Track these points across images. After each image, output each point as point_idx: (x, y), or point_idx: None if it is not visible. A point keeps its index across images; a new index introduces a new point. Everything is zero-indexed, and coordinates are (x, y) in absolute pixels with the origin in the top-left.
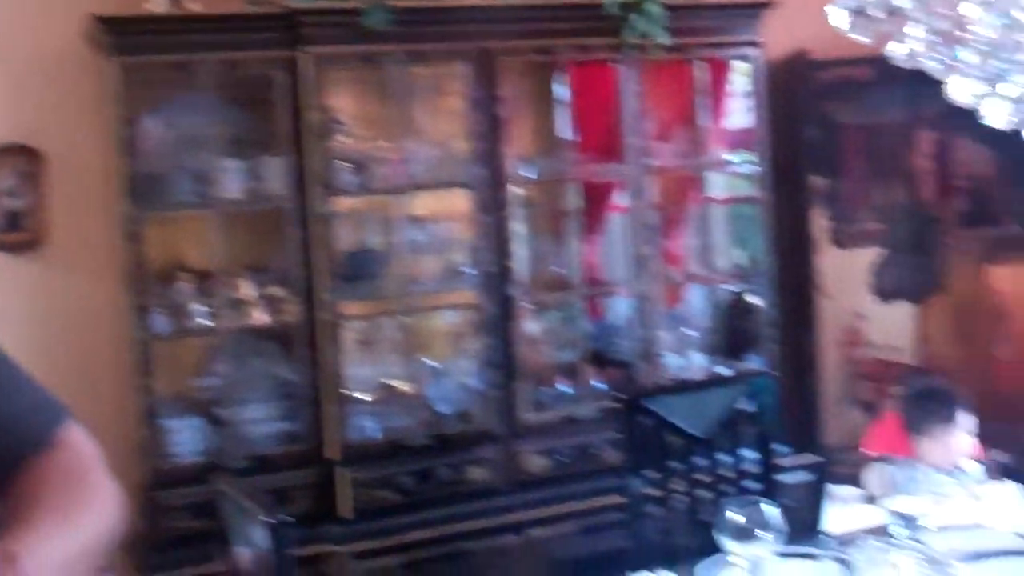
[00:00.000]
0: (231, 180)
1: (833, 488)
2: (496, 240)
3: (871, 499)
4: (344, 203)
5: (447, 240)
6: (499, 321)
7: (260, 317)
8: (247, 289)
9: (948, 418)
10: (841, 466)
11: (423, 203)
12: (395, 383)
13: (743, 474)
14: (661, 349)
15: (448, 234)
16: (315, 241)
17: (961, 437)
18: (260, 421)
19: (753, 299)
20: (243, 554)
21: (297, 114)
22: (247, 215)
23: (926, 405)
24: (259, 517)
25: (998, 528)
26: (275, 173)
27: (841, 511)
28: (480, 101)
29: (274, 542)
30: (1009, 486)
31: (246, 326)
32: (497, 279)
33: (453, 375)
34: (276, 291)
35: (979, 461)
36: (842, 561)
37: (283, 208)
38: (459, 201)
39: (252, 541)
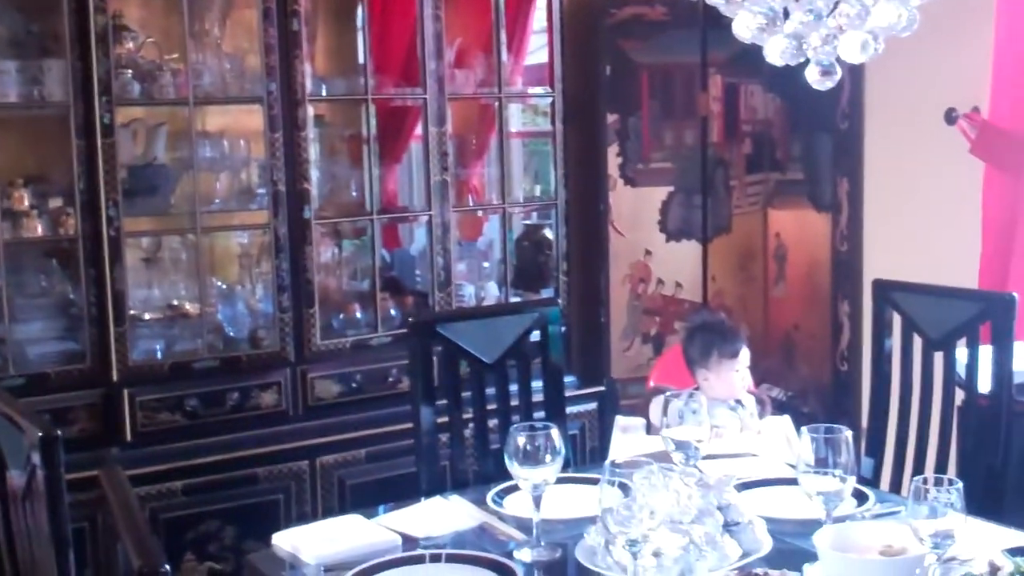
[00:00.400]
0: (7, 83)
1: (618, 418)
2: (290, 160)
3: (653, 429)
4: (130, 114)
5: (239, 158)
6: (292, 244)
7: (39, 230)
8: (24, 200)
9: (725, 352)
10: (627, 397)
11: (214, 118)
12: (182, 304)
13: (532, 403)
14: (457, 279)
15: (240, 152)
16: (98, 152)
17: (738, 371)
18: (39, 339)
19: (547, 233)
20: (16, 476)
21: (82, 16)
22: (25, 121)
23: (705, 339)
24: (33, 436)
25: (770, 458)
26: (56, 78)
27: (625, 440)
28: (275, 14)
29: (46, 462)
30: (783, 419)
31: (23, 239)
32: (290, 200)
33: (243, 298)
34: (57, 204)
35: (755, 395)
36: (623, 486)
37: (64, 116)
38: (252, 118)
39: (26, 462)
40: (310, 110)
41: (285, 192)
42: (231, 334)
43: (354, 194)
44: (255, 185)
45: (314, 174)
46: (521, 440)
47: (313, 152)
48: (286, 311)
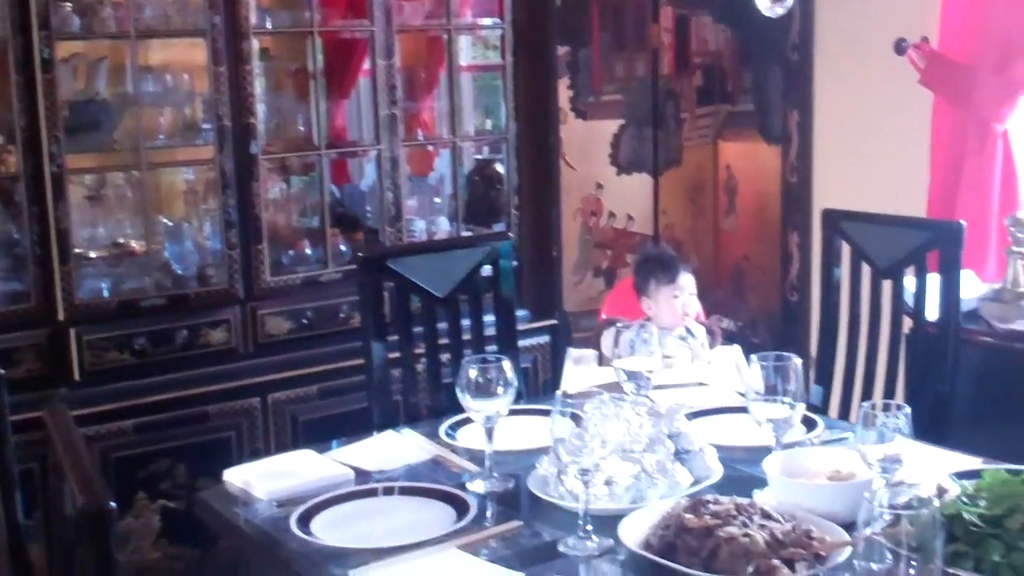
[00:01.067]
0: None
1: (571, 350)
2: (235, 95)
3: (605, 360)
4: (70, 48)
5: (183, 93)
6: (239, 180)
7: None
8: None
9: (663, 280)
10: (579, 330)
11: (157, 53)
12: (128, 242)
13: (484, 337)
14: (407, 214)
15: (184, 87)
16: (38, 88)
17: (678, 297)
18: None
19: (499, 167)
20: None
21: None
22: None
23: (646, 269)
24: None
25: (721, 387)
26: None
27: (577, 371)
28: None
29: None
30: (733, 349)
31: None
32: (236, 136)
33: (191, 235)
34: None
35: (705, 325)
36: (574, 417)
37: (2, 51)
38: (195, 52)
39: None
40: (255, 43)
41: (230, 127)
42: (179, 272)
43: (301, 129)
44: (200, 120)
45: (260, 109)
46: (473, 373)
47: (259, 86)
48: (234, 248)
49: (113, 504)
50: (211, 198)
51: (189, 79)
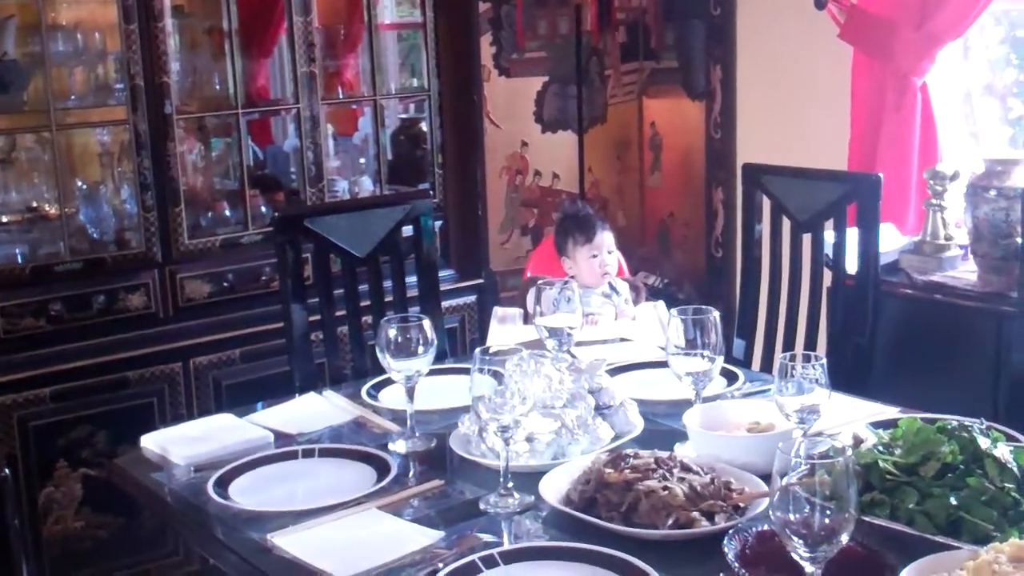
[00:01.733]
0: None
1: (496, 309)
2: (147, 53)
3: (530, 318)
4: None
5: (94, 52)
6: (153, 141)
7: None
8: None
9: (579, 239)
10: (506, 289)
11: (66, 11)
12: (42, 206)
13: (407, 297)
14: (330, 174)
15: (95, 45)
16: None
17: (596, 257)
18: None
19: (424, 126)
20: None
21: None
22: None
23: (564, 228)
24: None
25: (644, 342)
26: None
27: (502, 330)
28: None
29: None
30: (657, 304)
31: None
32: (149, 95)
33: (106, 198)
34: None
35: (630, 282)
36: (496, 374)
37: None
38: (106, 9)
39: None
40: (167, 0)
41: (143, 87)
42: (95, 236)
43: (217, 88)
44: (112, 80)
45: (174, 68)
46: (392, 332)
47: (172, 44)
48: (151, 210)
49: (7, 472)
50: (126, 160)
51: (100, 37)
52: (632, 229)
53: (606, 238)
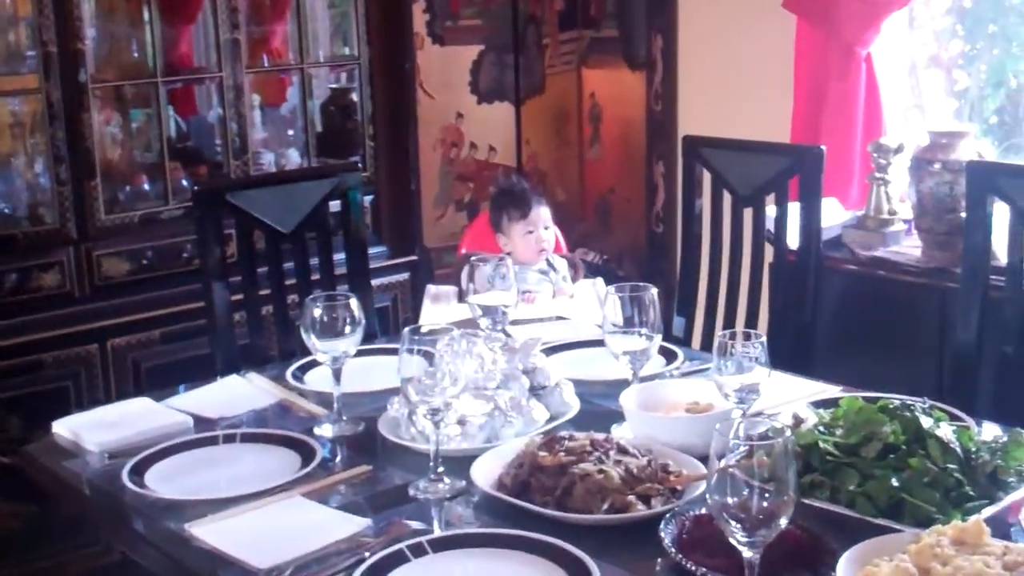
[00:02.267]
0: None
1: (429, 287)
2: (61, 18)
3: (463, 296)
4: None
5: (3, 17)
6: (67, 111)
7: None
8: None
9: (514, 215)
10: (441, 266)
11: None
12: None
13: (335, 275)
14: (256, 147)
15: (5, 10)
16: None
17: (532, 233)
18: None
19: (355, 97)
20: None
21: None
22: None
23: (498, 204)
24: None
25: (581, 320)
26: None
27: (436, 309)
28: None
29: None
30: (596, 282)
31: None
32: (64, 63)
33: (19, 171)
34: None
35: (568, 259)
36: (427, 355)
37: None
38: None
39: None
40: None
41: (57, 54)
42: (6, 211)
43: (136, 55)
44: (24, 47)
45: (89, 33)
46: (317, 311)
47: (87, 9)
48: (65, 184)
49: None
50: (39, 131)
51: (11, 2)
52: (571, 204)
53: (542, 213)
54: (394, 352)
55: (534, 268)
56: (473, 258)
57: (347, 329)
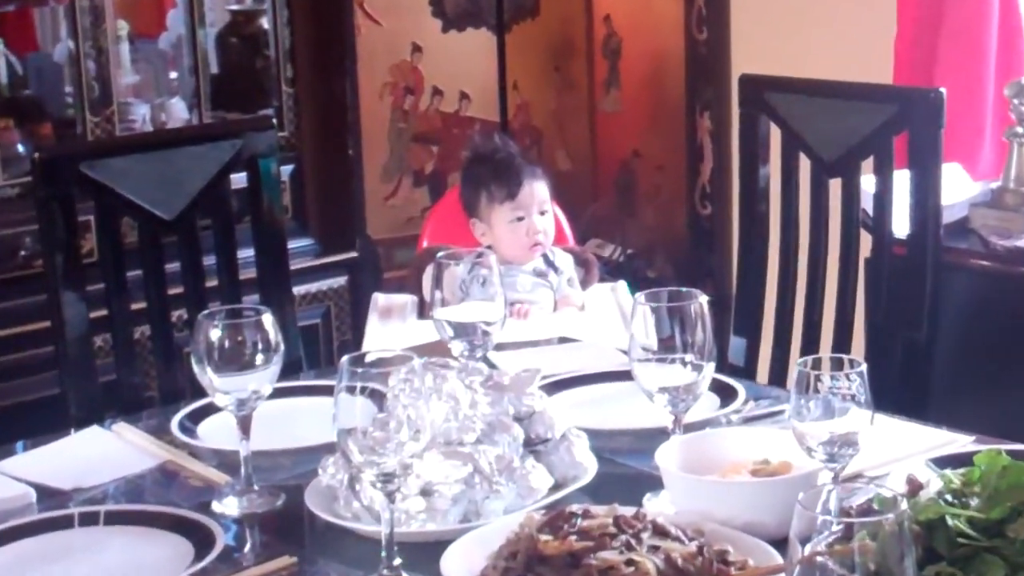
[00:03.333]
0: None
1: (377, 296)
2: None
3: (428, 309)
4: None
5: None
6: None
7: None
8: None
9: (497, 195)
10: (392, 267)
11: None
12: None
13: (239, 280)
14: (123, 95)
15: None
16: None
17: (522, 220)
18: None
19: (265, 23)
20: None
21: None
22: None
23: (482, 180)
24: None
25: (596, 343)
26: None
27: (386, 328)
28: None
29: None
30: (617, 287)
31: None
32: None
33: None
34: None
35: (576, 255)
36: (375, 394)
37: None
38: None
39: None
40: None
41: None
42: None
43: None
44: None
45: None
46: (215, 334)
47: None
48: None
49: None
50: None
51: None
52: (579, 176)
53: (537, 191)
54: (327, 392)
55: (527, 268)
56: (440, 255)
57: (258, 359)
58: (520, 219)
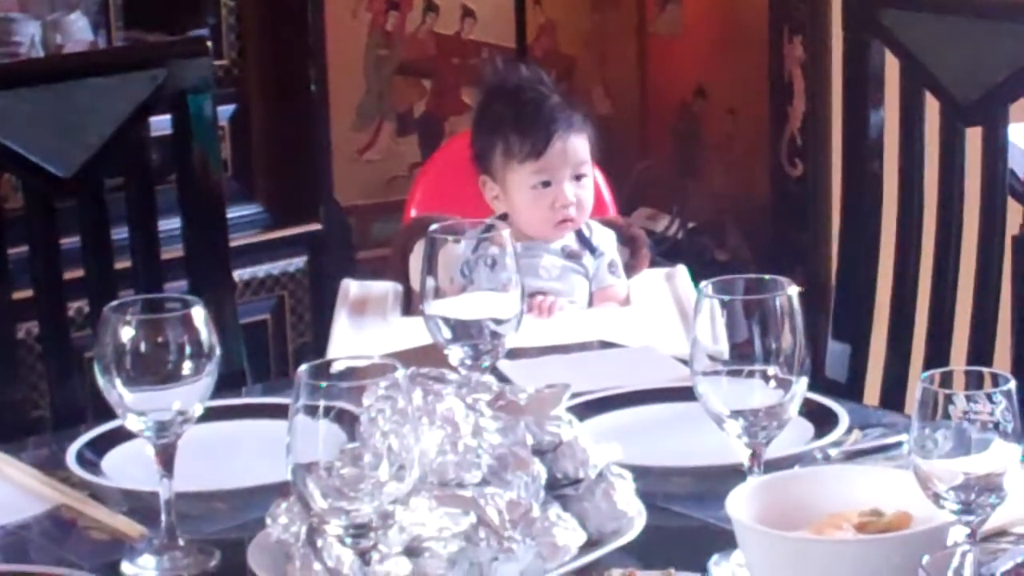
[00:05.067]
0: None
1: (348, 284)
2: None
3: (416, 300)
4: None
5: None
6: None
7: None
8: None
9: (517, 149)
10: (367, 244)
11: None
12: None
13: (162, 260)
14: (3, 8)
15: None
16: None
17: (551, 186)
18: None
19: None
20: None
21: None
22: None
23: (498, 128)
24: None
25: (645, 347)
26: None
27: (356, 327)
28: None
29: None
30: (675, 273)
31: None
32: None
33: None
34: None
35: (619, 229)
36: (343, 417)
37: None
38: None
39: None
40: None
41: None
42: None
43: None
44: None
45: None
46: (127, 333)
47: None
48: None
49: None
50: None
51: None
52: (623, 123)
53: (572, 150)
54: (280, 413)
55: (554, 247)
56: (434, 227)
57: (185, 367)
58: (546, 184)
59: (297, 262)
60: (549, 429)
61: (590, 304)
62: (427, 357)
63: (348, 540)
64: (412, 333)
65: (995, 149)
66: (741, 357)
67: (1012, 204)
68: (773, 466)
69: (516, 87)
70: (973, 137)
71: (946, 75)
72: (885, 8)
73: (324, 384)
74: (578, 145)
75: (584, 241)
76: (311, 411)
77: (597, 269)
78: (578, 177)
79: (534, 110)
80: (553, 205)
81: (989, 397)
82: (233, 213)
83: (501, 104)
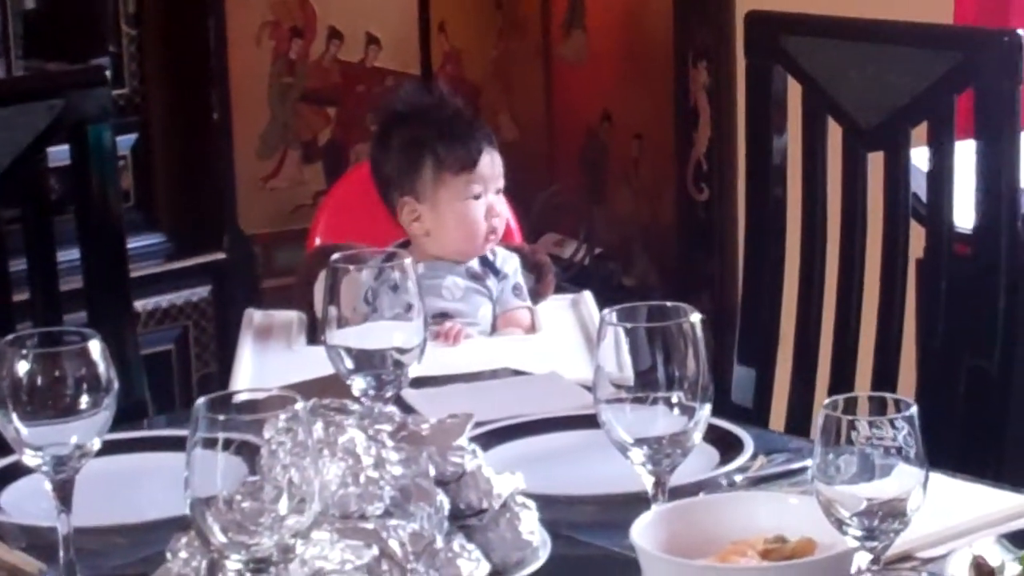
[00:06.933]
0: None
1: (251, 313)
2: None
3: (318, 330)
4: None
5: None
6: None
7: None
8: None
9: (450, 162)
10: (272, 273)
11: None
12: None
13: (59, 292)
14: None
15: None
16: None
17: (478, 199)
18: None
19: None
20: None
21: None
22: None
23: (411, 140)
24: None
25: (549, 375)
26: None
27: (263, 356)
28: None
29: None
30: (580, 299)
31: None
32: None
33: None
34: None
35: (524, 255)
36: (245, 449)
37: None
38: None
39: None
40: None
41: None
42: None
43: None
44: None
45: None
46: (22, 367)
47: None
48: None
49: None
50: None
51: None
52: (529, 149)
53: (496, 162)
54: (179, 445)
55: (458, 268)
56: (336, 256)
57: (83, 401)
58: (477, 197)
59: (201, 291)
60: (452, 459)
61: (494, 327)
62: (331, 387)
63: (248, 574)
64: (317, 362)
65: (898, 173)
66: (645, 384)
67: (915, 227)
68: (678, 493)
69: (435, 104)
70: (876, 161)
71: (848, 100)
72: (787, 34)
73: (223, 417)
74: (497, 160)
75: (488, 264)
76: (210, 444)
77: (502, 292)
78: (498, 191)
79: (463, 123)
80: (487, 216)
81: (892, 423)
82: (136, 243)
83: (419, 123)
